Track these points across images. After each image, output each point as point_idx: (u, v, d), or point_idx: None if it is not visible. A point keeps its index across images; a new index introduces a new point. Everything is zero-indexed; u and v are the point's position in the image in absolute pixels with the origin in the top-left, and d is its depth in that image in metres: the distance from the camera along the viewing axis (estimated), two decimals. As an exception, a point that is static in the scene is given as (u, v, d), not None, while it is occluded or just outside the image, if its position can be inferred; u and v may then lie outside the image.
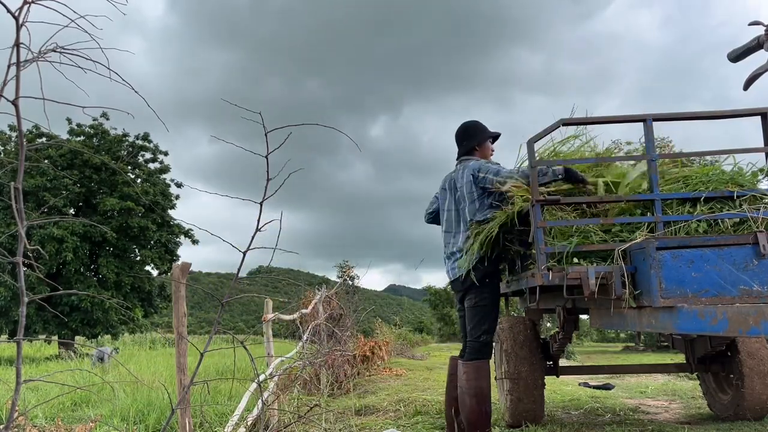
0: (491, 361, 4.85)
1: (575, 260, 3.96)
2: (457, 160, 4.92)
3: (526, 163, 4.29)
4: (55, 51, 1.68)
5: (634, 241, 3.68)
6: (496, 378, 6.40)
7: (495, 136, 4.91)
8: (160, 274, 26.18)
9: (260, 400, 5.00)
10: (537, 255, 4.02)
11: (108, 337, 12.09)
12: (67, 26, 1.67)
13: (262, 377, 4.94)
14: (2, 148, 23.84)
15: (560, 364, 6.20)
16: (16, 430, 4.77)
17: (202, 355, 2.19)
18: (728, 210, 3.85)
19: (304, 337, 7.91)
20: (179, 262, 3.71)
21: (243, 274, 2.27)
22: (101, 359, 12.72)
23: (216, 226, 2.28)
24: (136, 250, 25.54)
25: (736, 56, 3.26)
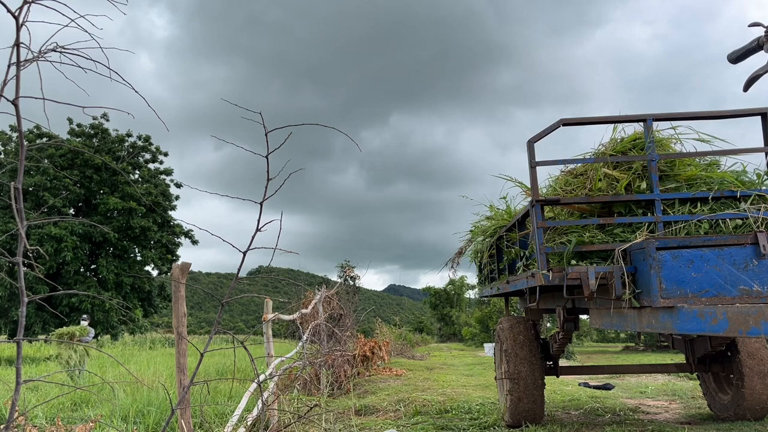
0: (492, 361, 4.84)
1: (573, 262, 3.97)
2: None
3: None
4: (55, 51, 1.68)
5: (634, 242, 3.68)
6: (496, 378, 6.40)
7: None
8: (160, 274, 26.19)
9: (260, 400, 5.00)
10: (537, 255, 4.02)
11: (85, 324, 11.80)
12: (66, 26, 1.67)
13: (262, 377, 4.94)
14: (2, 148, 23.85)
15: (560, 364, 6.21)
16: (16, 430, 4.77)
17: (202, 355, 2.19)
18: (730, 210, 3.86)
19: (304, 337, 7.91)
20: (179, 262, 3.71)
21: (243, 274, 2.27)
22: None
23: (217, 230, 2.29)
24: (137, 251, 25.56)
25: (736, 57, 3.25)
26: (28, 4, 1.63)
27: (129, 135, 25.98)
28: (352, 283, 23.17)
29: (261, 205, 2.11)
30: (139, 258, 25.79)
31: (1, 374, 11.50)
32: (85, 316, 13.55)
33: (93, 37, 1.69)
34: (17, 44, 1.61)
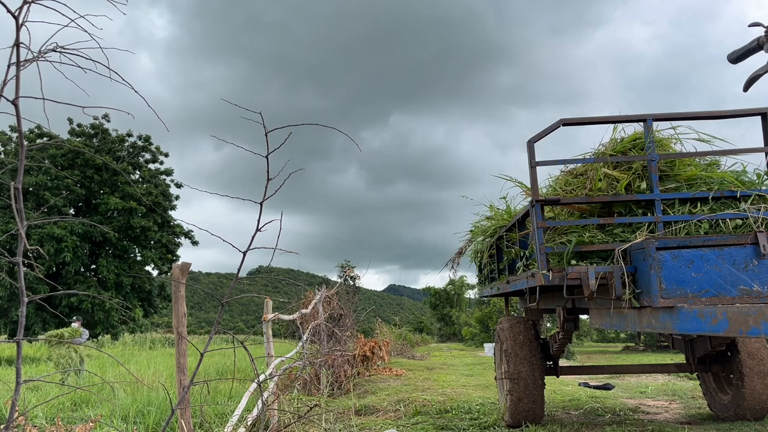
0: (492, 361, 4.85)
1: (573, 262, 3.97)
2: None
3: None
4: (55, 51, 1.68)
5: (634, 242, 3.68)
6: (496, 378, 6.40)
7: None
8: (160, 274, 26.23)
9: (260, 401, 5.00)
10: (537, 255, 4.02)
11: (76, 326, 11.66)
12: (66, 26, 1.67)
13: (262, 377, 4.94)
14: (2, 148, 23.87)
15: (560, 364, 6.21)
16: (16, 430, 4.77)
17: (202, 355, 2.19)
18: (730, 210, 3.86)
19: (304, 337, 7.91)
20: (179, 263, 3.71)
21: (243, 274, 2.27)
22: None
23: (217, 230, 2.29)
24: (137, 251, 25.60)
25: (736, 57, 3.25)
26: (28, 4, 1.63)
27: (129, 135, 26.06)
28: (352, 283, 23.16)
29: (261, 205, 2.11)
30: (139, 258, 25.82)
31: (1, 374, 11.50)
32: (75, 317, 13.41)
33: (93, 37, 1.69)
34: (17, 44, 1.61)
